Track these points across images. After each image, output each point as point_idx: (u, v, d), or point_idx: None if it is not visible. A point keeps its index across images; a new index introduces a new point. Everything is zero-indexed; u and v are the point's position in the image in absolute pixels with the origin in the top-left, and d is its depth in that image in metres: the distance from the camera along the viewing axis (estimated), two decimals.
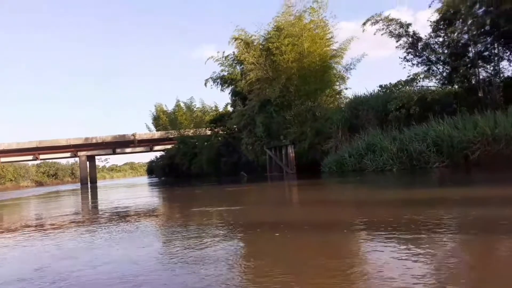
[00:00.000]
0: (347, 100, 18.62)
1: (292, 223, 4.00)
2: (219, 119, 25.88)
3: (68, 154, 40.03)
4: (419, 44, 14.42)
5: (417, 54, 14.48)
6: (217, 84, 27.00)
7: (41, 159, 40.65)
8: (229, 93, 26.75)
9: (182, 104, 42.30)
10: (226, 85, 26.23)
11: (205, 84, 26.89)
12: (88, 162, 41.05)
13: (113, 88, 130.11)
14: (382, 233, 2.92)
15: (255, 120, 19.07)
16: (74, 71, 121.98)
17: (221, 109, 37.85)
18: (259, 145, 18.81)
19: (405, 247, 2.43)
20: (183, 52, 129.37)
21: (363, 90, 30.24)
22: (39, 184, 56.99)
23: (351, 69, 18.95)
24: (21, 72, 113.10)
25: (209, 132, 29.82)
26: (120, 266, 2.50)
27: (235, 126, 23.84)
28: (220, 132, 25.53)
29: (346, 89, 19.31)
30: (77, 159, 42.67)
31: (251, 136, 19.33)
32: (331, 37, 18.54)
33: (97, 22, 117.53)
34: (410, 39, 14.73)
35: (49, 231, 4.62)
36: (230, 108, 27.91)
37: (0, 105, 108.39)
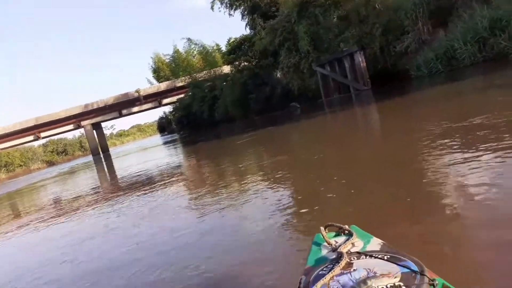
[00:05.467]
0: None
1: None
2: (238, 47, 21.15)
3: (71, 126, 35.99)
4: None
5: None
6: (225, 6, 22.09)
7: (43, 137, 36.82)
8: (241, 14, 21.83)
9: (180, 49, 37.35)
10: (237, 3, 21.25)
11: (212, 8, 22.00)
12: (94, 131, 37.20)
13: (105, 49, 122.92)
14: None
15: (295, 31, 14.49)
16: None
17: (223, 47, 32.92)
18: (306, 63, 14.41)
19: None
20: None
21: None
22: (51, 164, 53.92)
23: None
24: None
25: (226, 70, 25.25)
26: None
27: (258, 52, 19.21)
28: (243, 63, 20.93)
29: None
30: (82, 130, 38.83)
31: (293, 55, 14.88)
32: None
33: None
34: None
35: None
36: (245, 33, 22.91)
37: None
